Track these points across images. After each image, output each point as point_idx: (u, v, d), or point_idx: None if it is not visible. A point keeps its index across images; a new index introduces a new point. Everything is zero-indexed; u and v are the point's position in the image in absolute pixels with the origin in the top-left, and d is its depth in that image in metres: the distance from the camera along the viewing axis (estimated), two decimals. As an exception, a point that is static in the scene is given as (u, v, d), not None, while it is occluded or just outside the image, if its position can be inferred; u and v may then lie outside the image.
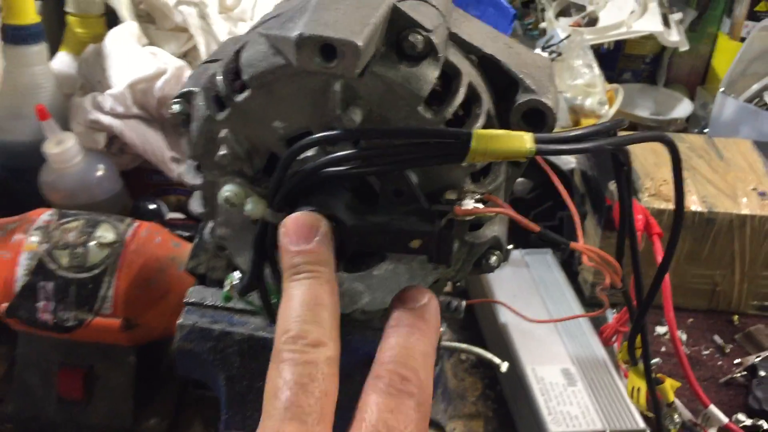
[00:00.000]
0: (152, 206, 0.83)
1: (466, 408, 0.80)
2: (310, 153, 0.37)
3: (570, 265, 0.98)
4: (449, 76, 0.38)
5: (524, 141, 0.34)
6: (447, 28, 0.39)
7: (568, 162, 1.03)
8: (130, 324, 0.67)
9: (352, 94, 0.36)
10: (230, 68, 0.38)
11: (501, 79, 0.40)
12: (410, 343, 0.33)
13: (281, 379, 0.29)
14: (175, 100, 0.39)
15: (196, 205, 0.43)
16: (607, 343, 0.86)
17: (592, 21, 1.34)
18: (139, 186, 0.89)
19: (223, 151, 0.38)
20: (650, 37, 1.33)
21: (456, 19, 0.41)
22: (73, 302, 0.67)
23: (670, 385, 0.54)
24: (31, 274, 0.68)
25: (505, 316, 0.83)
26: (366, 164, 0.35)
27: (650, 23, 1.28)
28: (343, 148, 0.36)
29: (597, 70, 1.17)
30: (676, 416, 0.55)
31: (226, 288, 0.41)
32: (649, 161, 0.95)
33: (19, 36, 0.79)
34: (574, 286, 0.92)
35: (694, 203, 0.87)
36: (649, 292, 0.48)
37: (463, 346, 0.80)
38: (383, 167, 0.35)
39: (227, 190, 0.38)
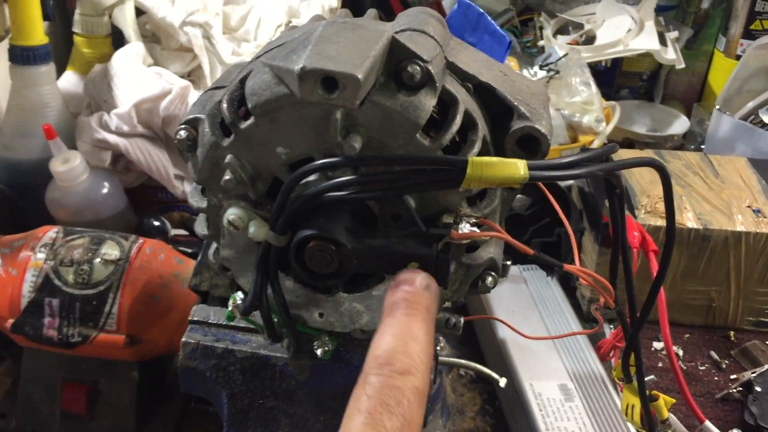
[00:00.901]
0: (156, 223, 0.85)
1: (465, 423, 0.81)
2: (311, 178, 0.39)
3: (568, 280, 0.99)
4: (446, 103, 0.40)
5: (518, 168, 0.36)
6: (444, 57, 0.40)
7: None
8: (133, 340, 0.68)
9: (353, 122, 0.37)
10: (235, 96, 0.39)
11: (496, 106, 0.42)
12: (402, 330, 0.33)
13: (365, 397, 0.30)
14: (182, 126, 0.41)
15: (200, 227, 0.44)
16: (604, 359, 0.87)
17: (590, 39, 1.36)
18: (143, 203, 0.90)
19: (228, 176, 0.39)
20: (647, 55, 1.35)
21: (453, 48, 0.43)
22: (78, 318, 0.69)
23: (664, 401, 0.55)
24: (37, 291, 0.69)
25: (503, 331, 0.84)
26: (365, 189, 0.37)
27: (647, 41, 1.29)
28: (344, 174, 0.38)
29: (594, 87, 1.19)
30: (670, 432, 0.56)
31: (230, 307, 0.43)
32: (645, 179, 0.97)
33: (27, 56, 0.81)
34: (571, 302, 0.93)
35: (689, 220, 0.89)
36: (642, 311, 0.49)
37: (462, 361, 0.81)
38: (382, 193, 0.37)
39: (231, 214, 0.40)
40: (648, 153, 1.05)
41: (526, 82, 0.44)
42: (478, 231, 0.37)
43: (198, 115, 0.41)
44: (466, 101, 0.40)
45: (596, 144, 1.17)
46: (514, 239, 0.38)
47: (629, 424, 0.71)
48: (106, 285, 0.69)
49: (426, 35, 0.40)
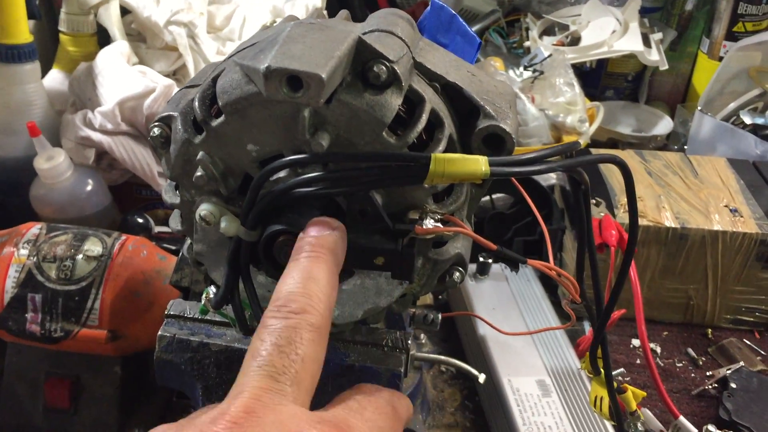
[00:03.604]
0: (140, 220, 0.86)
1: (445, 418, 0.82)
2: (281, 174, 0.40)
3: (550, 278, 1.01)
4: (413, 102, 0.41)
5: (479, 164, 0.37)
6: (412, 57, 0.41)
7: (548, 178, 1.06)
8: (115, 335, 0.69)
9: (321, 119, 0.38)
10: (207, 94, 0.40)
11: (464, 106, 0.43)
12: (303, 272, 0.34)
13: (260, 341, 0.31)
14: (155, 123, 0.42)
15: (174, 222, 0.45)
16: (582, 356, 0.88)
17: (575, 40, 1.37)
18: (127, 200, 0.91)
19: (199, 173, 0.40)
20: (632, 56, 1.36)
21: (422, 48, 0.44)
22: (61, 314, 0.69)
23: (632, 394, 0.56)
24: (20, 286, 0.70)
25: (483, 328, 0.86)
26: (333, 185, 0.38)
27: (631, 43, 1.31)
28: (313, 171, 0.39)
29: (578, 88, 1.20)
30: (639, 425, 0.57)
31: (203, 301, 0.43)
32: (625, 178, 0.98)
33: (12, 55, 0.82)
34: (552, 299, 0.94)
35: (667, 219, 0.90)
36: (607, 305, 0.50)
37: (442, 358, 0.82)
38: (349, 188, 0.38)
39: (203, 209, 0.41)
40: (629, 153, 1.07)
41: (493, 82, 0.45)
42: (441, 226, 0.38)
43: (171, 113, 0.42)
44: (432, 100, 0.41)
45: (581, 143, 1.18)
46: (478, 235, 0.39)
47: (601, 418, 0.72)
48: (89, 281, 0.70)
49: (394, 36, 0.41)
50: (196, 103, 0.40)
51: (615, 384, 0.55)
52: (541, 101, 1.20)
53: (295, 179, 0.38)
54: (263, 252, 0.39)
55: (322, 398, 0.36)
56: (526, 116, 1.15)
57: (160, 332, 0.47)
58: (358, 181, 0.37)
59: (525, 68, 1.23)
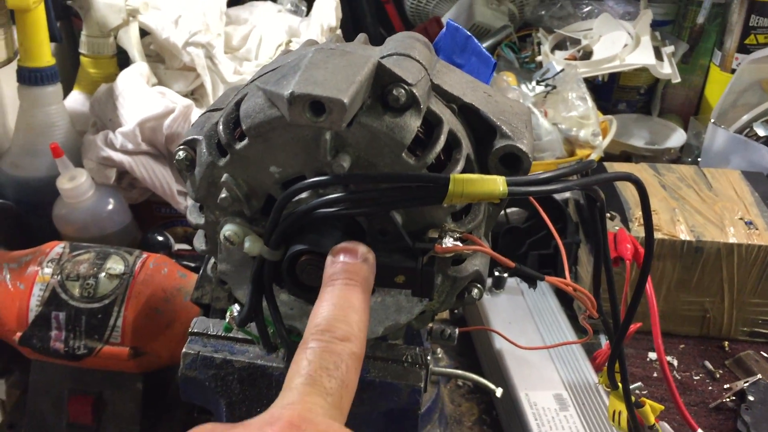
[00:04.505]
0: (160, 238, 0.87)
1: (463, 432, 0.83)
2: (304, 195, 0.41)
3: (566, 292, 1.01)
4: (431, 124, 0.42)
5: (497, 184, 0.38)
6: (429, 79, 0.43)
7: (562, 192, 1.06)
8: (137, 352, 0.70)
9: (342, 142, 0.39)
10: (231, 118, 0.41)
11: (481, 126, 0.44)
12: (342, 299, 0.35)
13: (305, 360, 0.32)
14: (180, 146, 0.43)
15: (199, 242, 0.46)
16: (599, 369, 0.88)
17: (587, 54, 1.38)
18: (148, 219, 0.92)
19: (224, 194, 0.41)
20: (644, 70, 1.37)
21: (439, 70, 0.45)
22: (84, 331, 0.71)
23: (650, 408, 0.56)
24: (44, 305, 0.71)
25: (500, 343, 0.86)
26: (354, 206, 0.39)
27: (643, 56, 1.32)
28: (334, 192, 0.40)
29: (590, 102, 1.21)
30: (656, 439, 0.58)
31: (227, 319, 0.45)
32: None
33: (35, 77, 0.84)
34: (568, 313, 0.95)
35: (682, 232, 0.90)
36: (624, 319, 0.50)
37: (459, 372, 0.82)
38: (370, 209, 0.39)
39: (228, 230, 0.42)
40: (643, 166, 1.07)
41: (509, 102, 0.46)
42: (461, 245, 0.39)
43: (196, 137, 0.43)
44: (450, 121, 0.42)
45: (593, 157, 1.19)
46: (496, 252, 0.40)
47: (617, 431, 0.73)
48: (111, 299, 0.71)
49: (411, 59, 0.42)
50: (221, 127, 0.41)
51: (633, 398, 0.56)
52: (554, 115, 1.21)
53: (317, 200, 0.39)
54: (286, 271, 0.40)
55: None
56: (539, 131, 1.15)
57: (184, 350, 0.48)
58: (378, 202, 0.38)
59: (537, 83, 1.24)
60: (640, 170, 1.06)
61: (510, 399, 0.80)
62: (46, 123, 0.86)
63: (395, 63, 0.41)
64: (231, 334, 0.49)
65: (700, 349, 0.94)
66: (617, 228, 0.88)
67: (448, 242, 0.39)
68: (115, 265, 0.73)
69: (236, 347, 0.49)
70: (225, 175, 0.41)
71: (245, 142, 0.40)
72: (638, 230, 0.91)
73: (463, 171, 0.41)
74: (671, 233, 0.90)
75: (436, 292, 0.43)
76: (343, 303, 0.35)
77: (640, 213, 0.93)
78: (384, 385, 0.48)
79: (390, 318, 0.44)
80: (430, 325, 0.82)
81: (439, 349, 0.89)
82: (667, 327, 0.96)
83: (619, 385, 0.55)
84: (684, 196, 0.99)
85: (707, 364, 0.91)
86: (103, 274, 0.72)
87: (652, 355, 0.93)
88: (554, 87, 1.26)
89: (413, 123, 0.39)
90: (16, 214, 0.82)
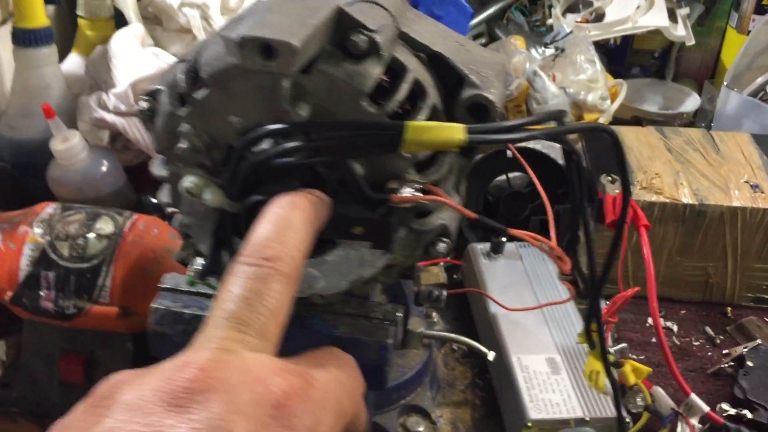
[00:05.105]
0: (154, 200, 0.87)
1: (455, 396, 0.82)
2: (265, 146, 0.40)
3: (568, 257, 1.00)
4: (397, 73, 0.40)
5: (455, 131, 0.36)
6: (396, 27, 0.41)
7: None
8: (126, 312, 0.71)
9: (301, 90, 0.38)
10: (191, 67, 0.41)
11: (450, 76, 0.43)
12: (280, 218, 0.33)
13: (227, 292, 0.30)
14: (143, 97, 0.42)
15: (163, 195, 0.46)
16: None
17: (599, 17, 1.35)
18: (142, 181, 0.92)
19: (183, 145, 0.40)
20: (658, 32, 1.33)
21: (409, 19, 0.44)
22: (73, 291, 0.71)
23: (631, 368, 0.55)
24: (34, 264, 0.71)
25: (495, 306, 0.85)
26: (310, 155, 0.38)
27: (656, 18, 1.28)
28: (295, 141, 0.39)
29: (599, 65, 1.18)
30: (638, 399, 0.57)
31: (188, 272, 0.44)
32: (643, 155, 0.96)
33: (29, 39, 0.83)
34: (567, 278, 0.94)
35: (685, 196, 0.88)
36: (601, 276, 0.49)
37: (452, 335, 0.82)
38: (326, 158, 0.38)
39: (188, 181, 0.41)
40: (649, 129, 1.05)
41: (482, 52, 0.45)
42: (420, 195, 0.38)
43: (159, 87, 0.42)
44: (416, 70, 0.41)
45: (601, 121, 1.17)
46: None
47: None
48: (100, 259, 0.71)
49: (377, 6, 0.41)
50: (181, 76, 0.40)
51: (612, 358, 0.55)
52: (562, 79, 1.18)
53: (273, 150, 0.38)
54: (245, 223, 0.40)
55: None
56: (545, 94, 1.13)
57: (153, 304, 0.48)
58: (334, 150, 0.37)
59: (545, 46, 1.21)
60: (646, 133, 1.04)
61: (502, 363, 0.79)
62: (41, 84, 0.85)
63: (358, 10, 0.39)
64: (203, 290, 0.49)
65: (702, 315, 0.93)
66: (617, 191, 0.86)
67: (406, 192, 0.38)
68: (105, 225, 0.73)
69: (206, 302, 0.48)
70: (185, 126, 0.41)
71: (204, 91, 0.39)
72: (640, 193, 0.89)
73: (428, 120, 0.40)
74: (673, 196, 0.88)
75: (401, 245, 0.42)
76: (281, 222, 0.33)
77: (643, 175, 0.92)
78: (352, 341, 0.47)
79: (354, 272, 0.43)
80: (418, 287, 0.82)
81: (434, 313, 0.88)
82: (669, 292, 0.94)
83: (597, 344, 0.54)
84: (690, 159, 0.96)
85: (708, 329, 0.89)
86: (92, 234, 0.72)
87: (652, 320, 0.91)
88: (563, 50, 1.23)
89: (374, 70, 0.38)
90: (11, 175, 0.82)
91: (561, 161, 1.02)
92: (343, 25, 0.38)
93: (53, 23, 0.88)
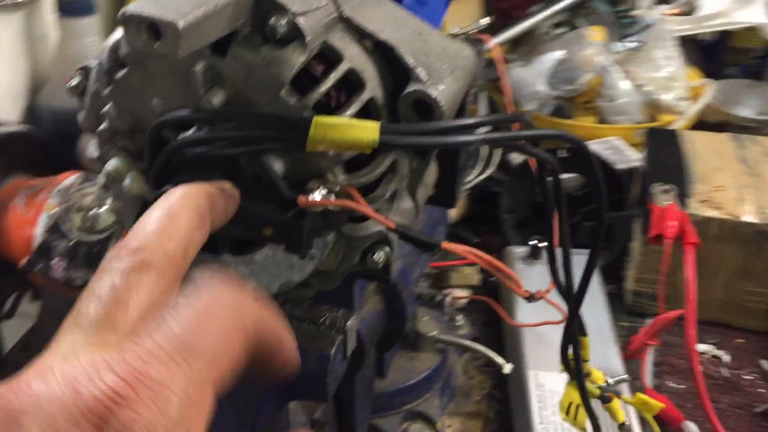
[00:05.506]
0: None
1: (469, 406, 0.78)
2: (189, 133, 0.37)
3: (616, 269, 0.93)
4: (333, 61, 0.37)
5: (367, 131, 0.32)
6: (337, 11, 0.37)
7: (627, 161, 0.97)
8: (130, 287, 0.70)
9: (218, 75, 0.35)
10: (116, 45, 0.38)
11: (400, 68, 0.38)
12: (161, 209, 0.30)
13: (87, 288, 0.28)
14: (76, 72, 0.40)
15: (100, 178, 0.44)
16: (632, 356, 0.80)
17: (691, 10, 1.24)
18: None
19: (103, 126, 0.38)
20: (757, 29, 1.21)
21: (360, 3, 0.40)
22: (83, 262, 0.71)
23: (618, 404, 0.49)
24: (47, 233, 0.72)
25: (520, 316, 0.80)
26: (217, 147, 0.35)
27: (753, 14, 1.16)
28: (219, 130, 0.36)
29: (680, 62, 1.08)
30: (627, 440, 0.51)
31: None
32: (709, 164, 0.87)
33: (72, 8, 0.84)
34: (613, 292, 0.87)
35: (747, 214, 0.79)
36: (577, 295, 0.44)
37: (466, 342, 0.77)
38: (231, 152, 0.35)
39: (110, 165, 0.39)
40: (723, 136, 0.95)
41: (444, 43, 0.40)
42: (331, 199, 0.34)
43: (90, 63, 0.40)
44: (355, 60, 0.37)
45: (679, 125, 1.07)
46: (374, 212, 0.35)
47: (635, 430, 0.65)
48: (109, 232, 0.71)
49: (317, -13, 0.37)
50: (105, 54, 0.38)
51: (598, 391, 0.49)
52: (637, 75, 1.10)
53: (182, 138, 0.35)
54: (157, 214, 0.37)
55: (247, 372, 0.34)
56: (614, 91, 1.05)
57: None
58: (239, 144, 0.34)
59: (623, 39, 1.12)
60: (720, 141, 0.94)
61: (518, 377, 0.74)
62: (82, 55, 0.86)
63: (292, -10, 0.36)
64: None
65: (760, 346, 0.83)
66: (668, 203, 0.79)
67: (316, 195, 0.34)
68: (118, 199, 0.73)
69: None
70: (108, 105, 0.38)
71: (125, 70, 0.37)
72: (696, 207, 0.81)
73: (366, 117, 0.36)
74: (734, 213, 0.80)
75: (330, 250, 0.39)
76: (163, 214, 0.30)
77: (703, 188, 0.83)
78: (293, 347, 0.44)
79: (283, 275, 0.40)
80: (420, 289, 0.78)
81: (459, 317, 0.83)
82: (726, 318, 0.85)
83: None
84: (763, 173, 0.87)
85: (764, 363, 0.80)
86: (104, 207, 0.72)
87: (702, 347, 0.83)
88: (644, 44, 1.14)
89: (295, 58, 0.35)
90: (43, 141, 0.83)
91: (617, 167, 0.94)
92: (262, 6, 0.34)
93: (104, -4, 0.89)
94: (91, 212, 0.72)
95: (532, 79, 1.06)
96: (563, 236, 0.43)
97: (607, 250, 0.93)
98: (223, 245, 0.40)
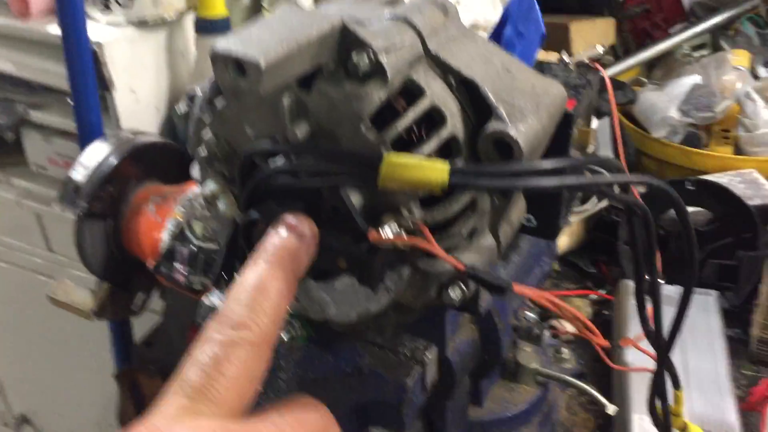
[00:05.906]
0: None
1: (569, 444, 0.76)
2: (276, 162, 0.39)
3: (743, 313, 0.87)
4: (415, 96, 0.37)
5: (437, 172, 0.33)
6: (421, 47, 0.38)
7: (764, 196, 0.90)
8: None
9: (303, 108, 0.37)
10: (218, 75, 0.41)
11: (485, 104, 0.38)
12: (257, 280, 0.32)
13: (190, 357, 0.31)
14: (184, 101, 0.43)
15: (200, 198, 0.47)
16: (751, 408, 0.75)
17: None
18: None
19: (203, 153, 0.41)
20: None
21: (451, 37, 0.40)
22: (201, 268, 0.76)
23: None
24: (173, 239, 0.77)
25: (632, 355, 0.77)
26: (296, 179, 0.36)
27: None
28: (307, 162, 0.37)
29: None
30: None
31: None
32: None
33: (209, 27, 0.90)
34: (735, 337, 0.82)
35: None
36: (666, 344, 0.42)
37: (568, 378, 0.75)
38: (311, 183, 0.36)
39: (207, 187, 0.42)
40: None
41: (532, 80, 0.40)
42: (403, 236, 0.35)
43: (197, 92, 0.43)
44: (438, 96, 0.37)
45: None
46: (443, 253, 0.35)
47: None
48: (225, 243, 0.75)
49: (405, 23, 0.38)
50: (208, 84, 0.41)
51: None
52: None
53: (267, 170, 0.37)
54: (243, 238, 0.39)
55: (328, 394, 0.35)
56: (755, 121, 0.99)
57: (202, 299, 0.50)
58: (315, 177, 0.35)
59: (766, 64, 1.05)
60: None
61: (623, 419, 0.71)
62: (217, 72, 0.92)
63: (378, 27, 0.37)
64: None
65: None
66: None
67: (388, 231, 0.35)
68: (237, 211, 0.77)
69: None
70: (207, 133, 0.41)
71: (223, 101, 0.39)
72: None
73: (446, 155, 0.37)
74: None
75: (406, 285, 0.39)
76: (255, 284, 0.32)
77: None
78: (372, 374, 0.45)
79: (361, 304, 0.41)
80: (518, 320, 0.76)
81: (566, 350, 0.81)
82: None
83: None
84: None
85: None
86: (222, 219, 0.76)
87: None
88: (793, 71, 1.06)
89: (376, 94, 0.35)
90: (179, 153, 0.89)
91: (750, 201, 0.88)
92: (345, 42, 0.35)
93: (241, 15, 0.94)
94: (211, 222, 0.76)
95: (665, 104, 1.01)
96: (654, 281, 0.41)
97: (734, 292, 0.88)
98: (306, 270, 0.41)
